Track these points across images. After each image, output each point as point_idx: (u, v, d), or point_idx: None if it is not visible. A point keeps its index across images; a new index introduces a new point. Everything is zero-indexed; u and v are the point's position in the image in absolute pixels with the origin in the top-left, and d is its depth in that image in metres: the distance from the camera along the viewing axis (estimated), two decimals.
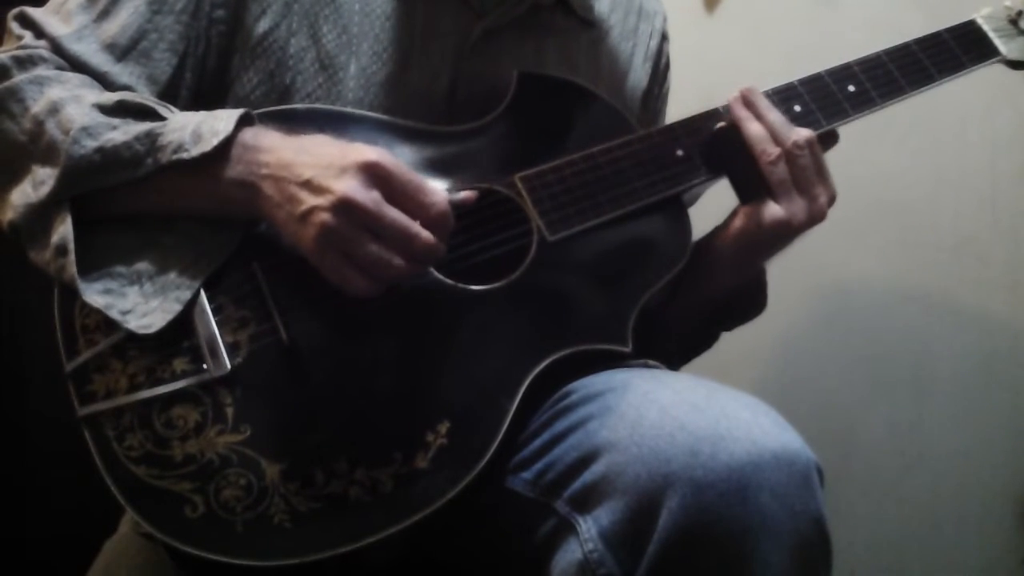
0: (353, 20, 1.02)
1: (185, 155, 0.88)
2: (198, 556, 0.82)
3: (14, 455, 1.49)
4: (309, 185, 0.84)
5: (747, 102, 1.03)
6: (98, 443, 0.86)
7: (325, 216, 0.83)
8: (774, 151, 1.00)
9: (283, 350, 0.88)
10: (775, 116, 1.02)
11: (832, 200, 1.03)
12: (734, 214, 1.05)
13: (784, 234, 1.02)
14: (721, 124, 1.04)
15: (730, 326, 1.16)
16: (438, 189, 0.88)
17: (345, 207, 0.83)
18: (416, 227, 0.85)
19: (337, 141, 0.89)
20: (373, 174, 0.84)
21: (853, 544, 1.66)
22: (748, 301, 1.13)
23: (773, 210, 1.00)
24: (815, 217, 1.02)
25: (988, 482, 1.77)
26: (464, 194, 0.91)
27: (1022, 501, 1.78)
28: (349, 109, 1.00)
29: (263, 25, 1.00)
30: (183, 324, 0.88)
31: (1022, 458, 1.77)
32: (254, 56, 1.00)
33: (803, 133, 1.02)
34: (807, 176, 1.01)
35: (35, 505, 1.50)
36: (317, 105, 0.99)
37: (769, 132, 1.01)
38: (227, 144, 0.88)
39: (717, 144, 1.04)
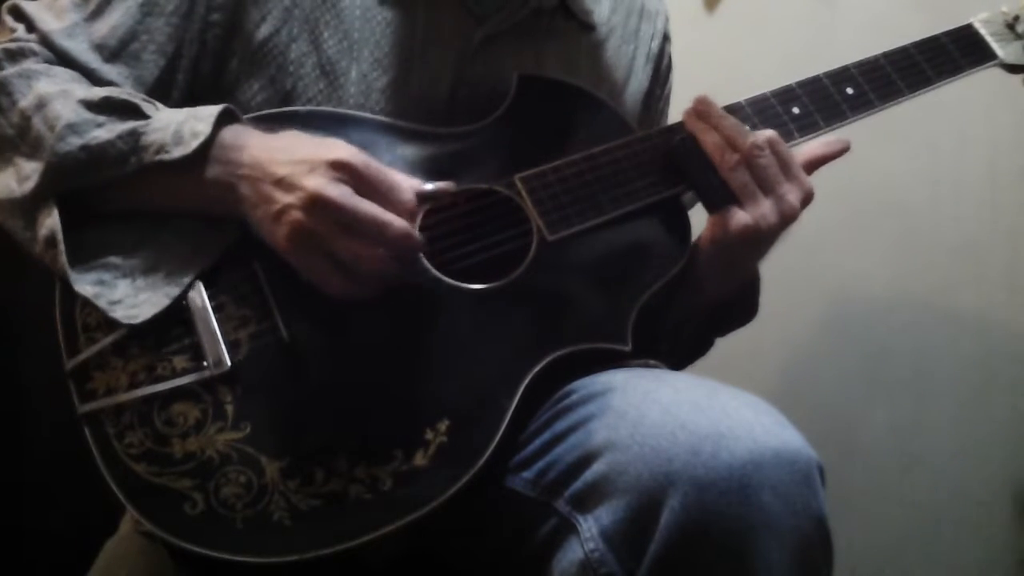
0: (354, 26, 1.02)
1: (166, 156, 0.89)
2: (198, 553, 0.82)
3: (14, 454, 1.48)
4: (282, 184, 0.85)
5: (700, 114, 1.01)
6: (98, 441, 0.86)
7: (297, 214, 0.84)
8: (732, 157, 0.98)
9: (283, 348, 0.88)
10: (730, 123, 1.00)
11: (807, 197, 1.01)
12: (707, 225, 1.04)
13: (756, 239, 1.00)
14: (680, 137, 1.03)
15: (723, 332, 1.16)
16: (410, 183, 0.88)
17: (316, 203, 0.83)
18: (388, 215, 0.85)
19: (312, 138, 0.89)
20: (344, 171, 0.85)
21: (853, 544, 1.66)
22: (738, 309, 1.13)
23: (740, 217, 0.98)
24: (786, 216, 0.99)
25: (988, 482, 1.77)
26: (440, 184, 0.90)
27: (1021, 501, 1.78)
28: (350, 111, 1.00)
29: (263, 31, 1.00)
30: (184, 322, 0.89)
31: (1021, 458, 1.78)
32: (254, 62, 1.00)
33: (762, 134, 1.00)
34: (770, 175, 0.99)
35: (35, 504, 1.49)
36: (318, 107, 1.00)
37: (725, 139, 1.00)
38: (206, 146, 0.88)
39: (677, 158, 1.02)
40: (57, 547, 1.31)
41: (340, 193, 0.84)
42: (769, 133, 1.00)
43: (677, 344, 1.12)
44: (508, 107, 1.03)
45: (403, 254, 0.87)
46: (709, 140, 1.00)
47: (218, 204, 0.90)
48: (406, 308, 0.91)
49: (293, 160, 0.86)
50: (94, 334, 0.88)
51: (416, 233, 0.87)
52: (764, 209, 0.98)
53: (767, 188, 0.99)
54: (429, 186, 0.89)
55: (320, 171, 0.84)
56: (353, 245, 0.84)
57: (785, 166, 1.00)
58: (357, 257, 0.85)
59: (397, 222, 0.85)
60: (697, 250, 1.04)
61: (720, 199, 1.00)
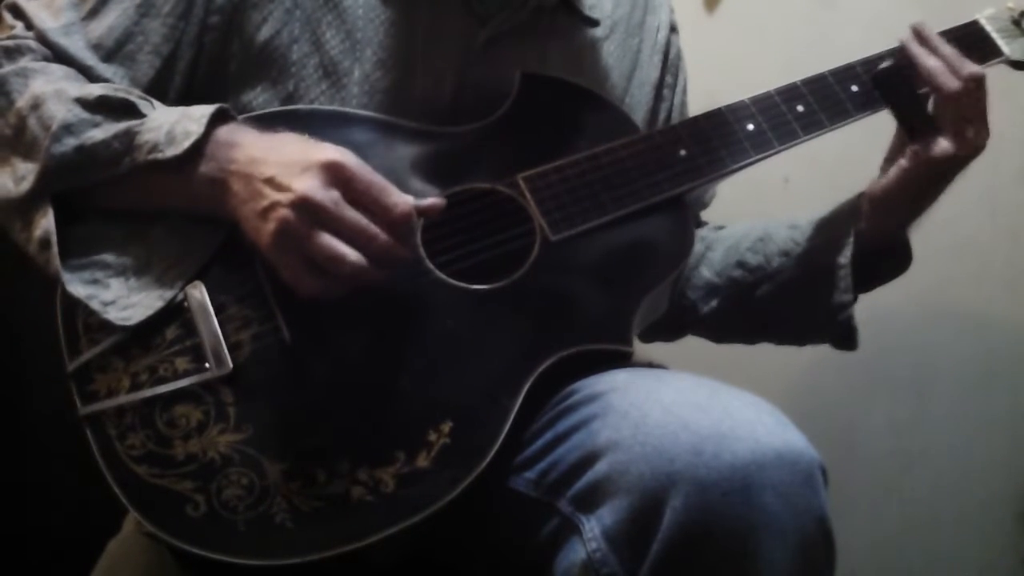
0: (357, 26, 1.02)
1: (159, 156, 0.89)
2: (200, 555, 0.82)
3: (17, 455, 1.49)
4: (272, 182, 0.85)
5: (921, 39, 1.05)
6: (100, 442, 0.86)
7: (284, 212, 0.83)
8: (953, 84, 1.01)
9: (285, 350, 0.88)
10: (951, 50, 1.03)
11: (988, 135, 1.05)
12: (897, 155, 1.05)
13: (953, 168, 1.03)
14: (887, 63, 1.06)
15: (872, 284, 1.15)
16: (401, 193, 0.87)
17: (304, 205, 0.83)
18: (373, 227, 0.85)
19: (306, 139, 0.89)
20: (334, 174, 0.85)
21: (853, 544, 1.66)
22: (897, 256, 1.13)
23: (943, 144, 1.01)
24: (978, 149, 1.03)
25: (988, 481, 1.77)
26: (430, 201, 0.90)
27: (1022, 500, 1.78)
28: (351, 110, 1.00)
29: (264, 33, 1.00)
30: (185, 323, 0.89)
31: (1022, 458, 1.78)
32: (255, 64, 1.00)
33: (975, 68, 1.03)
34: (979, 108, 1.03)
35: (38, 505, 1.49)
36: (319, 106, 1.00)
37: (948, 66, 1.02)
38: (198, 146, 0.89)
39: (884, 81, 1.05)
40: (60, 548, 1.31)
41: (329, 196, 0.84)
42: (979, 69, 1.03)
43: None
44: (511, 106, 1.03)
45: (384, 264, 0.86)
46: (931, 64, 1.03)
47: (207, 202, 0.90)
48: (408, 309, 0.91)
49: (286, 160, 0.86)
50: (95, 335, 0.88)
51: (400, 246, 0.86)
52: (968, 137, 1.02)
53: (971, 118, 1.02)
54: (420, 203, 0.89)
55: (312, 172, 0.84)
56: (332, 244, 0.84)
57: (985, 104, 1.03)
58: (334, 257, 0.84)
59: (382, 234, 0.85)
60: (884, 187, 1.05)
61: (923, 124, 1.03)
